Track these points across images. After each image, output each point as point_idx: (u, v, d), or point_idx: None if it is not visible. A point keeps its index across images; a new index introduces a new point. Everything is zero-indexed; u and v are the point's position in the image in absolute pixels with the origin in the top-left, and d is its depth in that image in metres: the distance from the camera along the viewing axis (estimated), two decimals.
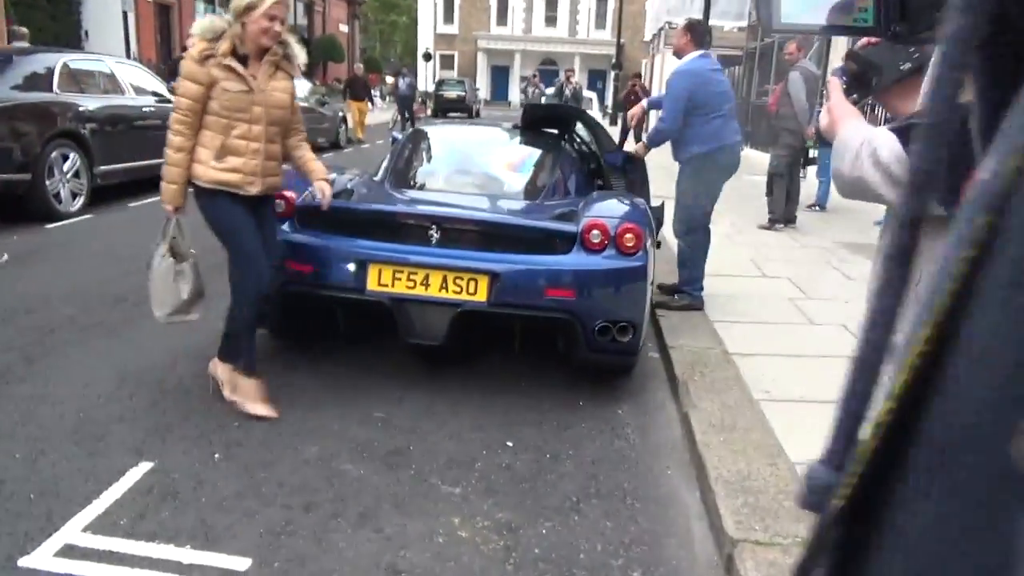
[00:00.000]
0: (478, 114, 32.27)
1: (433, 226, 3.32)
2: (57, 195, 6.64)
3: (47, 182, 6.49)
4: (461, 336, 3.41)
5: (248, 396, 3.13)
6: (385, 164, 4.39)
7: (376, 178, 4.22)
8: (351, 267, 3.27)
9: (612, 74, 32.78)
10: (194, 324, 4.07)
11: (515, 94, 46.54)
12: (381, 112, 27.11)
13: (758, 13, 0.85)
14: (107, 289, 4.68)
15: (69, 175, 6.78)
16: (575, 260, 3.27)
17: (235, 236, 3.09)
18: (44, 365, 3.48)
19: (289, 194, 3.46)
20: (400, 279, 3.25)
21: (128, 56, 15.12)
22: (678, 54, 4.86)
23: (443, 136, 4.86)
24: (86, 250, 5.74)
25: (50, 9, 17.29)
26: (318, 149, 13.73)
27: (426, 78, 41.17)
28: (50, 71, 6.87)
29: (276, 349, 3.81)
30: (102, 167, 7.23)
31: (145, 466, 2.66)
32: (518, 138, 5.05)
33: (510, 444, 3.04)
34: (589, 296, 3.29)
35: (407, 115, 19.19)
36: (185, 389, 3.32)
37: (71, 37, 17.28)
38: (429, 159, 4.54)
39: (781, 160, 7.45)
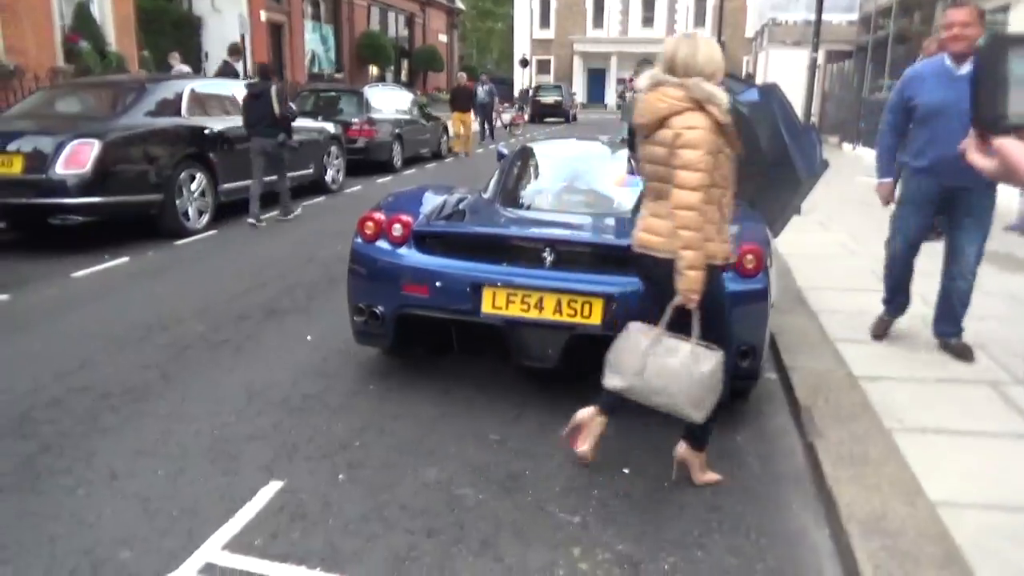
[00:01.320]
0: (575, 118, 32.23)
1: (547, 248, 3.31)
2: (185, 213, 7.06)
3: (177, 201, 6.91)
4: (575, 359, 3.39)
5: (704, 468, 2.92)
6: (493, 183, 4.43)
7: (486, 196, 4.26)
8: (467, 290, 3.30)
9: None
10: (308, 342, 4.26)
11: (611, 97, 46.18)
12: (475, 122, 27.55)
13: (978, 112, 0.78)
14: (232, 306, 4.92)
15: (196, 194, 7.20)
16: None
17: (724, 308, 2.81)
18: (179, 382, 3.69)
19: (406, 218, 3.54)
20: (514, 302, 3.27)
21: (246, 75, 15.92)
22: None
23: (548, 153, 4.86)
24: (212, 266, 6.07)
25: (175, 34, 18.44)
26: (420, 159, 14.13)
27: (523, 84, 41.45)
28: (179, 96, 7.32)
29: (391, 367, 3.90)
30: (225, 185, 7.64)
31: (275, 485, 2.77)
32: (624, 153, 5.00)
33: (627, 471, 2.99)
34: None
35: (487, 124, 19.09)
36: (307, 408, 3.45)
37: (193, 60, 18.39)
38: (537, 177, 4.55)
39: None
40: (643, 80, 2.67)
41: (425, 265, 3.40)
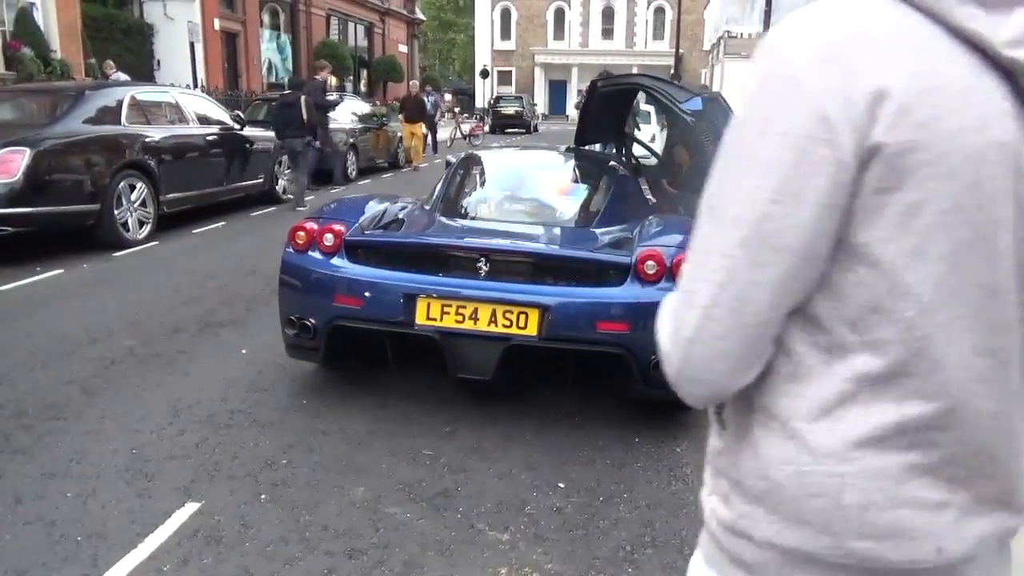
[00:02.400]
0: (535, 129, 32.30)
1: (482, 258, 3.24)
2: (125, 224, 6.85)
3: (115, 211, 6.69)
4: (511, 370, 3.32)
5: None
6: (436, 191, 4.35)
7: (427, 206, 4.18)
8: (400, 301, 3.21)
9: None
10: (243, 356, 4.12)
11: (572, 108, 46.47)
12: (440, 129, 27.41)
13: None
14: (167, 318, 4.76)
15: (136, 204, 6.99)
16: (628, 292, 3.15)
17: None
18: (102, 399, 3.53)
19: (338, 227, 3.44)
20: (449, 313, 3.19)
21: (195, 84, 15.64)
22: None
23: (494, 161, 4.80)
24: (149, 278, 5.88)
25: (126, 41, 18.04)
26: (376, 169, 13.97)
27: (483, 95, 41.50)
28: (119, 104, 7.11)
29: (327, 381, 3.79)
30: (168, 195, 7.44)
31: (191, 507, 2.64)
32: (571, 161, 4.97)
33: (562, 485, 2.92)
34: (644, 330, 3.15)
35: (432, 135, 18.29)
36: (235, 424, 3.32)
37: (144, 67, 18.01)
38: (480, 185, 4.49)
39: None
40: None
41: (357, 276, 3.30)
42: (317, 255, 3.41)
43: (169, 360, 4.05)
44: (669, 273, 3.16)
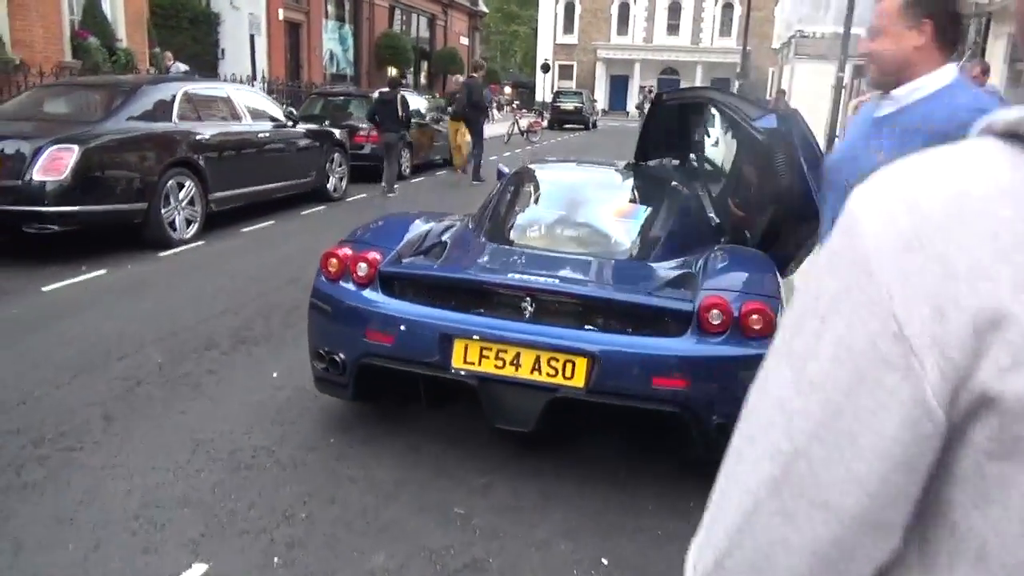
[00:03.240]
0: (595, 126, 31.78)
1: (527, 298, 2.94)
2: (172, 223, 6.76)
3: (162, 210, 6.60)
4: (556, 423, 3.02)
5: None
6: (482, 211, 4.05)
7: (474, 227, 3.88)
8: (436, 341, 2.94)
9: (736, 84, 31.48)
10: (273, 380, 3.91)
11: (633, 104, 45.74)
12: (498, 124, 27.14)
13: None
14: (202, 331, 4.59)
15: (184, 203, 6.89)
16: (689, 345, 2.81)
17: None
18: (123, 426, 3.35)
19: (373, 255, 3.18)
20: (488, 357, 2.90)
21: (254, 76, 15.69)
22: None
23: (547, 178, 4.48)
24: (191, 281, 5.75)
25: (192, 30, 18.26)
26: (432, 166, 13.75)
27: (544, 89, 41.10)
28: (171, 100, 7.02)
29: (357, 415, 3.54)
30: (217, 194, 7.34)
31: (199, 569, 2.42)
32: (630, 180, 4.62)
33: (605, 562, 2.61)
34: (705, 388, 2.82)
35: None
36: (256, 464, 3.09)
37: (209, 57, 18.21)
38: (531, 206, 4.18)
39: None
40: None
41: (390, 311, 3.04)
42: (350, 286, 3.16)
43: (197, 382, 3.86)
44: (736, 324, 2.81)
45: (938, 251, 0.48)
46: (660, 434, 3.23)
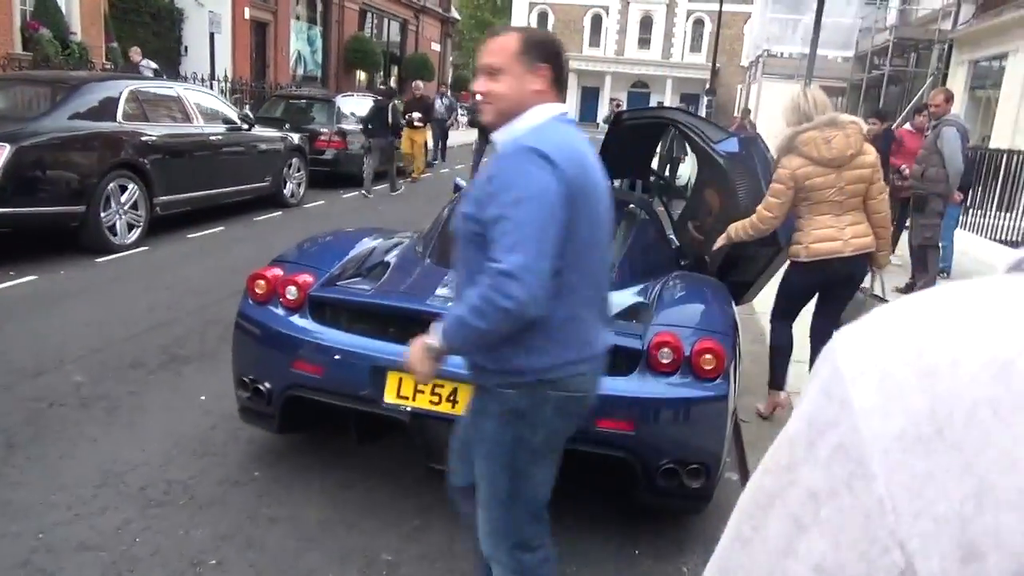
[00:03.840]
0: None
1: None
2: (112, 227, 6.43)
3: (102, 214, 6.28)
4: None
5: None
6: (431, 228, 3.84)
7: (420, 248, 3.67)
8: (367, 374, 2.73)
9: (706, 100, 31.73)
10: (200, 404, 3.65)
11: (603, 115, 45.90)
12: (466, 131, 26.92)
13: None
14: (129, 347, 4.31)
15: (127, 206, 6.57)
16: (636, 385, 2.63)
17: None
18: (26, 455, 3.08)
19: (306, 277, 2.95)
20: (423, 392, 2.69)
21: (213, 76, 15.29)
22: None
23: None
24: (127, 291, 5.45)
25: (154, 26, 17.78)
26: (402, 174, 13.48)
27: None
28: (116, 99, 6.70)
29: (286, 449, 3.30)
30: (163, 197, 7.02)
31: None
32: None
33: None
34: (652, 431, 2.64)
35: (442, 143, 17.02)
36: (168, 501, 2.84)
37: (172, 53, 17.75)
38: None
39: (934, 230, 6.36)
40: (817, 123, 3.35)
41: (319, 339, 2.82)
42: (278, 310, 2.93)
43: (115, 405, 3.59)
44: (687, 363, 2.64)
45: (972, 454, 0.32)
46: (608, 474, 3.05)
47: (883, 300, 3.54)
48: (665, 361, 2.63)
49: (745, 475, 3.38)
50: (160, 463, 3.10)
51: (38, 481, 2.90)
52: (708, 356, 2.62)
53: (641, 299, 3.16)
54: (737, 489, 3.36)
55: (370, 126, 11.18)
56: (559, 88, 1.89)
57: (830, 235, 3.40)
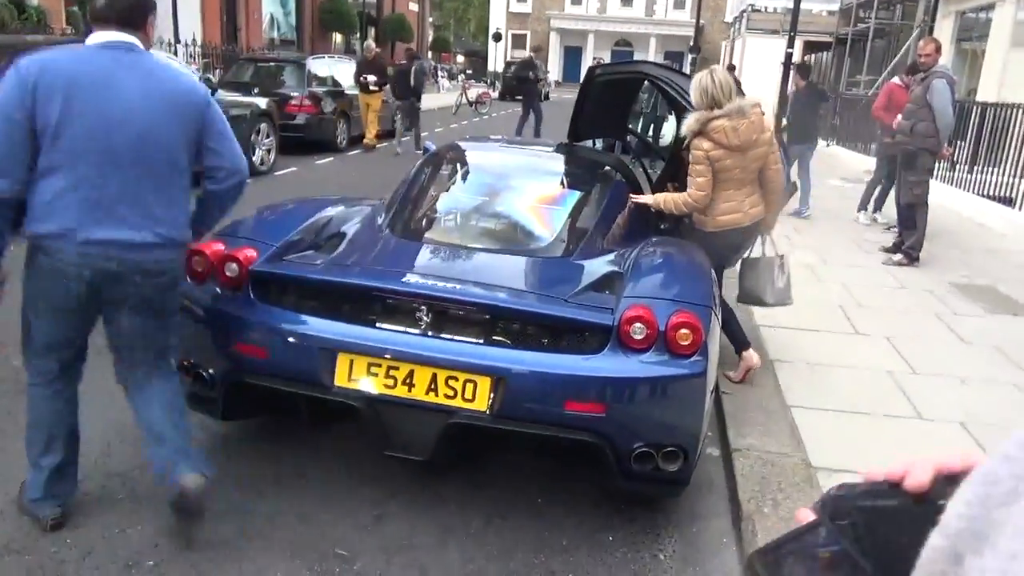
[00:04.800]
0: (547, 97, 31.15)
1: (423, 307, 2.52)
2: None
3: None
4: (455, 449, 2.63)
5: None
6: (392, 197, 3.60)
7: (381, 218, 3.41)
8: (316, 356, 2.51)
9: (689, 58, 31.22)
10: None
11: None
12: (447, 93, 26.40)
13: None
14: None
15: None
16: (608, 363, 2.43)
17: None
18: None
19: (248, 252, 2.71)
20: (377, 375, 2.48)
21: (177, 39, 14.77)
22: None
23: (471, 160, 4.04)
24: None
25: None
26: (388, 134, 13.02)
27: (496, 59, 40.32)
28: None
29: (238, 432, 3.10)
30: None
31: None
32: (560, 164, 4.21)
33: None
34: (624, 413, 2.45)
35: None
36: (106, 496, 2.64)
37: None
38: (445, 193, 3.74)
39: (923, 187, 6.17)
40: (728, 111, 3.46)
41: (262, 320, 2.59)
42: (217, 288, 2.69)
43: None
44: (662, 339, 2.44)
45: None
46: (578, 455, 2.87)
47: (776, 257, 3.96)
48: (638, 337, 2.42)
49: (727, 450, 3.21)
50: (101, 450, 2.90)
51: None
52: (684, 331, 2.42)
53: (614, 268, 2.94)
54: (718, 465, 3.20)
55: (395, 88, 12.01)
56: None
57: (733, 207, 3.59)
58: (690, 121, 3.52)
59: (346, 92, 12.32)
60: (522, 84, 13.60)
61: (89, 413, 3.16)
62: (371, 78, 11.99)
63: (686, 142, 3.64)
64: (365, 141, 12.37)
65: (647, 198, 3.77)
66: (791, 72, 11.85)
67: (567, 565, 2.49)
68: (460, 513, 2.70)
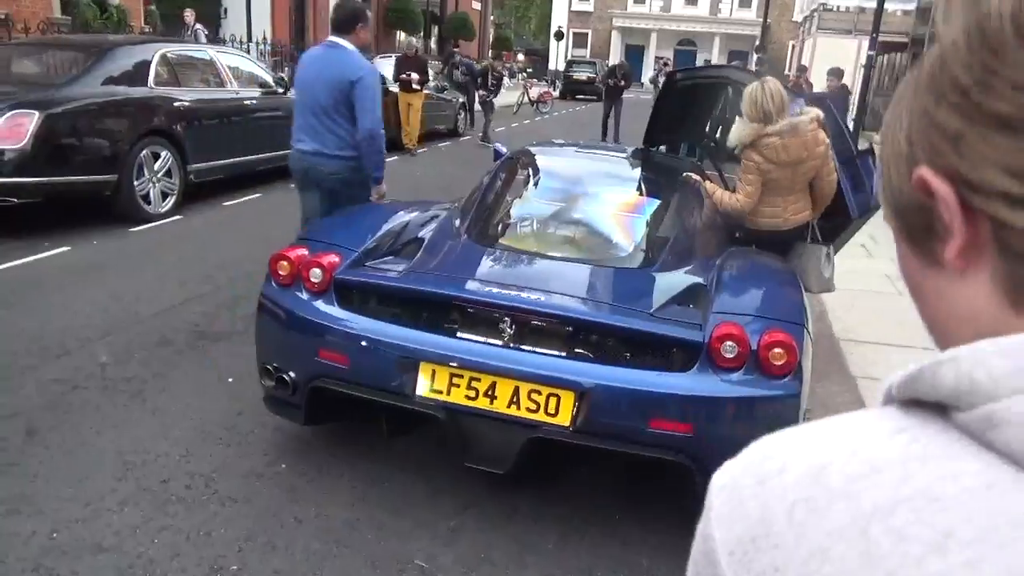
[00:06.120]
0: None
1: (507, 318, 2.48)
2: (146, 196, 6.31)
3: (135, 183, 6.15)
4: (536, 461, 2.59)
5: None
6: (469, 201, 3.57)
7: (458, 220, 3.39)
8: (397, 365, 2.50)
9: (755, 57, 30.54)
10: (228, 386, 3.47)
11: (648, 75, 44.76)
12: (508, 92, 26.38)
13: None
14: (158, 323, 4.16)
15: (160, 174, 6.43)
16: (697, 382, 2.35)
17: None
18: (44, 444, 2.94)
19: (331, 259, 2.72)
20: (459, 386, 2.45)
21: (249, 38, 15.11)
22: None
23: (545, 166, 3.98)
24: (160, 263, 5.31)
25: None
26: (434, 135, 13.17)
27: (557, 58, 40.18)
28: (147, 63, 6.52)
29: (314, 438, 3.11)
30: (196, 165, 6.86)
31: None
32: (638, 170, 4.13)
33: None
34: (713, 433, 2.37)
35: (469, 109, 14.87)
36: (190, 497, 2.68)
37: (212, 15, 17.59)
38: (522, 199, 3.69)
39: None
40: (780, 129, 3.48)
41: (345, 327, 2.59)
42: (302, 294, 2.70)
43: (139, 387, 3.43)
44: (754, 359, 2.35)
45: (791, 549, 0.37)
46: (659, 470, 2.79)
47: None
48: (729, 356, 2.34)
49: None
50: (183, 453, 2.94)
51: (56, 473, 2.75)
52: (778, 350, 2.33)
53: (698, 280, 2.85)
54: None
55: (477, 84, 13.98)
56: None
57: (775, 213, 3.67)
58: (743, 133, 3.54)
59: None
60: (610, 88, 15.00)
61: (170, 414, 3.24)
62: (414, 76, 11.15)
63: (737, 151, 3.66)
64: (407, 144, 11.34)
65: (708, 186, 3.82)
66: (840, 75, 11.64)
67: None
68: (536, 528, 2.66)
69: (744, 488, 0.40)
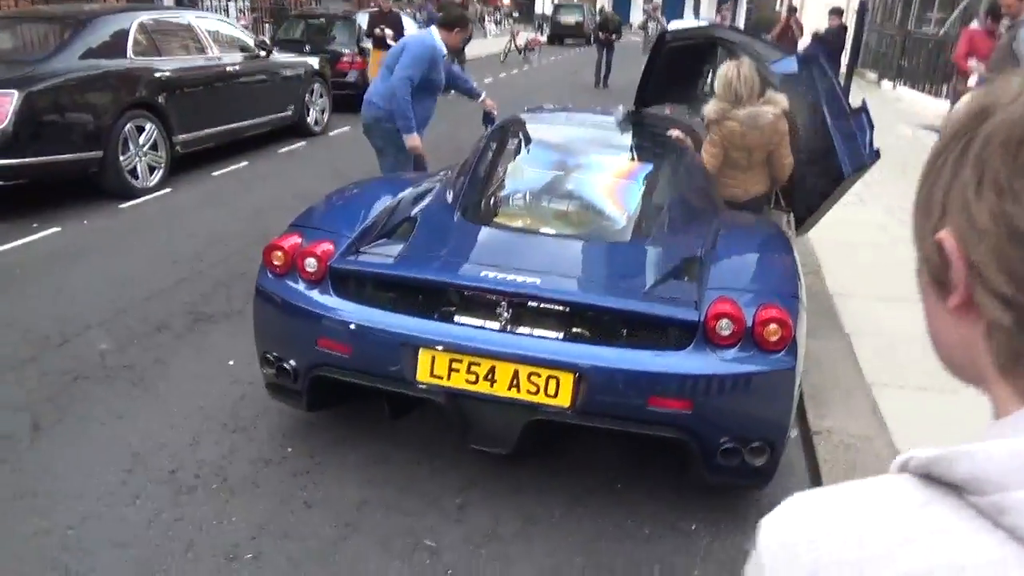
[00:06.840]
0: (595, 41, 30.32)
1: (503, 302, 2.50)
2: (133, 170, 6.23)
3: (121, 157, 6.07)
4: (538, 441, 2.64)
5: None
6: (460, 175, 3.54)
7: (450, 195, 3.36)
8: (398, 352, 2.52)
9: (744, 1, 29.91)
10: (229, 369, 3.50)
11: (637, 17, 43.79)
12: (494, 39, 25.88)
13: None
14: (154, 307, 4.17)
15: (145, 148, 6.35)
16: (694, 360, 2.38)
17: None
18: (52, 437, 2.97)
19: (325, 246, 2.72)
20: (459, 371, 2.48)
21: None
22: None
23: (536, 136, 3.94)
24: (152, 240, 5.29)
25: None
26: None
27: (544, 1, 39.29)
28: (124, 33, 6.36)
29: (318, 419, 3.15)
30: (182, 136, 6.77)
31: None
32: (630, 136, 4.10)
33: None
34: (711, 409, 2.41)
35: None
36: (200, 485, 2.73)
37: None
38: (514, 172, 3.67)
39: None
40: (742, 118, 3.67)
41: (343, 316, 2.60)
42: (298, 284, 2.71)
43: (141, 375, 3.46)
44: (749, 335, 2.38)
45: None
46: (660, 444, 2.85)
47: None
48: (724, 333, 2.37)
49: (806, 431, 3.16)
50: (190, 442, 2.98)
51: (66, 468, 2.79)
52: (773, 326, 2.36)
53: (692, 252, 2.85)
54: (797, 447, 3.15)
55: None
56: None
57: (735, 183, 3.85)
58: (710, 108, 3.74)
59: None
60: (602, 40, 15.88)
61: (173, 401, 3.28)
62: (388, 32, 10.36)
63: (705, 123, 3.85)
64: None
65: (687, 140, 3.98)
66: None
67: (653, 549, 2.51)
68: (541, 501, 2.73)
69: (798, 546, 0.46)
